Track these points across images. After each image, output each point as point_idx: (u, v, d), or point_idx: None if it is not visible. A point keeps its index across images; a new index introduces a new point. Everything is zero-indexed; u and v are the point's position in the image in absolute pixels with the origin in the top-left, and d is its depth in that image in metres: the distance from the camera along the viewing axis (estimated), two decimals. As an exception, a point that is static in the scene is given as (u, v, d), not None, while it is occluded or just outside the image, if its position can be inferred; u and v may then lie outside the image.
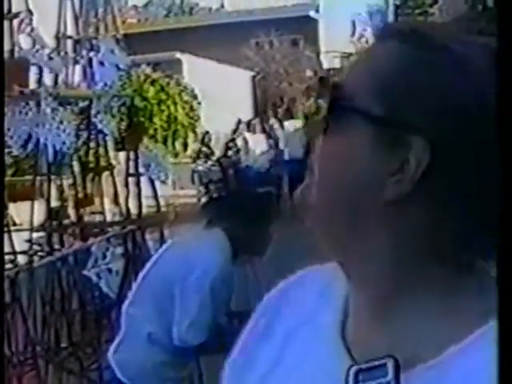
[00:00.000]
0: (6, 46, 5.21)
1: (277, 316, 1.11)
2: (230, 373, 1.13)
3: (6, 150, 6.86)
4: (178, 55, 21.52)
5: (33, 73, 5.40)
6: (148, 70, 17.68)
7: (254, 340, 1.12)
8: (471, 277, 0.91)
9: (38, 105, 4.95)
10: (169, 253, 3.69)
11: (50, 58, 5.22)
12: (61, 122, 4.85)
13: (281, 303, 1.12)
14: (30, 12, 5.12)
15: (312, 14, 29.91)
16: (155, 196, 5.58)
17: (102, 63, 5.38)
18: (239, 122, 16.43)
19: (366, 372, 0.90)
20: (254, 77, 26.45)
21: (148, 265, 3.70)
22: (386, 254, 0.92)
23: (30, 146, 5.01)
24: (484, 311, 0.86)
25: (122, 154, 6.00)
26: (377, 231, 0.91)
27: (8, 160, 8.11)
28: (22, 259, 5.04)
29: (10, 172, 7.90)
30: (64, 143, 4.86)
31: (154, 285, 3.57)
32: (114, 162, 5.61)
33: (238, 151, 15.27)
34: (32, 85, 5.34)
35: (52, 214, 5.50)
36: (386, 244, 0.91)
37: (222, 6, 35.59)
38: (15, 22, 5.06)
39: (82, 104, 5.54)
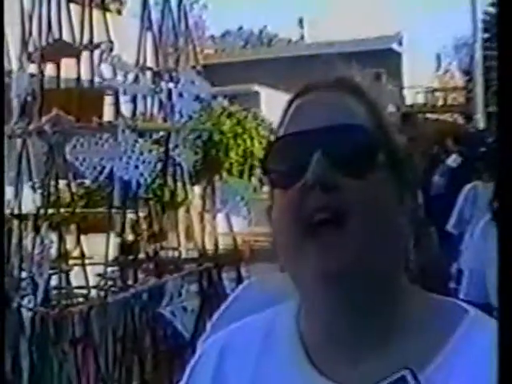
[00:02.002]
0: (86, 76, 5.35)
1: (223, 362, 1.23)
2: None
3: (78, 181, 7.02)
4: (256, 87, 21.72)
5: (110, 104, 5.53)
6: (225, 103, 17.90)
7: None
8: None
9: (114, 136, 5.04)
10: (247, 291, 3.72)
11: (133, 82, 5.36)
12: (141, 153, 4.94)
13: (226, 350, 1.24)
14: (110, 42, 5.25)
15: (395, 46, 29.90)
16: (232, 233, 5.63)
17: (181, 94, 5.47)
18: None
19: None
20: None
21: (228, 301, 3.74)
22: None
23: (103, 178, 5.11)
24: None
25: (197, 189, 6.06)
26: None
27: (80, 191, 8.30)
28: (95, 294, 5.13)
29: (81, 203, 8.05)
30: (142, 175, 4.95)
31: (232, 320, 3.61)
32: (190, 196, 5.68)
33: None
34: (109, 117, 5.47)
35: (125, 248, 5.58)
36: None
37: (302, 37, 35.86)
38: (96, 52, 5.20)
39: (158, 136, 5.64)
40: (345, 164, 1.09)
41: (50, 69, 5.38)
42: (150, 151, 5.11)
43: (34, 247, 4.92)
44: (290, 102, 1.20)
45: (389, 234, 1.11)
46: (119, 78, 5.28)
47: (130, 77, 5.44)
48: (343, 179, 1.08)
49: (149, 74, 5.75)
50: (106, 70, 5.22)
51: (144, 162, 4.94)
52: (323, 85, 1.19)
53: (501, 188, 0.79)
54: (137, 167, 4.92)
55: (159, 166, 5.36)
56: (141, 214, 5.60)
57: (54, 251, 5.02)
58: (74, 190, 5.61)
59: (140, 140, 5.05)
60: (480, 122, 18.66)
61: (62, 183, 5.29)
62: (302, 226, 1.09)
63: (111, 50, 5.20)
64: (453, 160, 9.97)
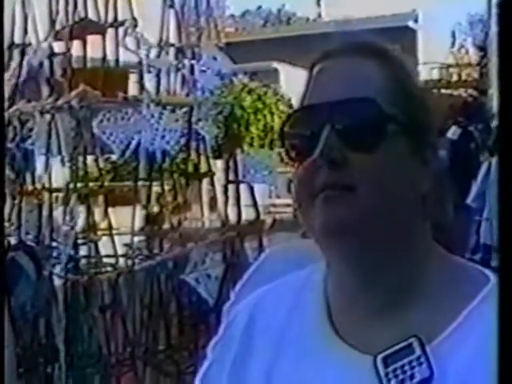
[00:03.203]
0: (111, 54, 5.37)
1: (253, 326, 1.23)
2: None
3: (105, 156, 7.04)
4: (275, 65, 21.62)
5: (134, 81, 5.55)
6: (245, 80, 17.87)
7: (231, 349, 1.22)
8: None
9: (139, 110, 5.05)
10: (269, 260, 3.74)
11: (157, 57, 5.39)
12: (166, 124, 4.96)
13: (256, 312, 1.25)
14: (134, 20, 5.26)
15: (411, 24, 29.63)
16: (254, 204, 5.62)
17: (203, 71, 5.46)
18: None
19: (392, 356, 0.99)
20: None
21: (250, 269, 3.76)
22: None
23: (129, 152, 5.13)
24: None
25: (219, 162, 6.07)
26: None
27: (107, 166, 8.35)
28: (122, 262, 5.18)
29: (108, 177, 8.10)
30: (168, 143, 4.96)
31: (255, 287, 3.63)
32: (214, 168, 5.69)
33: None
34: (133, 92, 5.49)
35: (150, 219, 5.62)
36: None
37: (320, 15, 35.59)
38: (121, 30, 5.21)
39: (181, 112, 5.64)
40: (354, 139, 1.07)
41: (76, 46, 5.40)
42: (176, 121, 5.13)
43: (63, 219, 4.97)
44: (312, 67, 1.17)
45: (403, 199, 1.08)
46: (143, 54, 5.28)
47: (153, 53, 5.44)
48: (352, 155, 1.06)
49: (172, 50, 5.74)
50: (130, 45, 5.23)
51: (170, 131, 4.95)
52: (343, 50, 1.15)
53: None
54: (163, 137, 4.93)
55: (183, 140, 5.36)
56: (166, 187, 5.62)
57: (83, 223, 5.07)
58: (101, 165, 5.64)
59: (165, 112, 5.06)
60: (493, 97, 18.50)
61: (89, 159, 5.32)
62: (312, 197, 1.09)
63: (135, 26, 5.21)
64: (452, 132, 9.79)
